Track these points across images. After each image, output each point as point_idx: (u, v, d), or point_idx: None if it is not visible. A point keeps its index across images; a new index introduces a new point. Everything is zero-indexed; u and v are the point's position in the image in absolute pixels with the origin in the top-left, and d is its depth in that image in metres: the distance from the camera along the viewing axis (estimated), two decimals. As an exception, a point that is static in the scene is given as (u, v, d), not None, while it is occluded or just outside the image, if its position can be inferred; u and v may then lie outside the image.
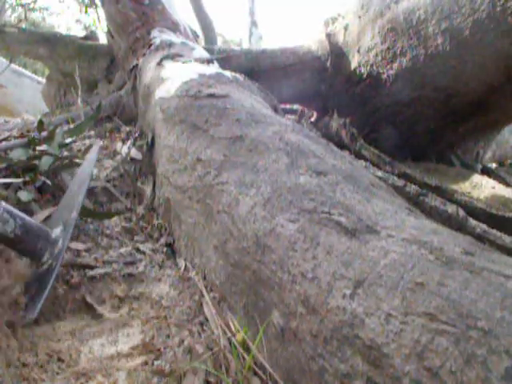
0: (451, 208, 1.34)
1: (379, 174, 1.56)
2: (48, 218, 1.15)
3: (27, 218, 0.84)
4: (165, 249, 1.20)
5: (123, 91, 2.36)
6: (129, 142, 1.77)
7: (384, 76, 2.14)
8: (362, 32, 2.25)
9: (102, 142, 1.67)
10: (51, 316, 0.89)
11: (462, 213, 1.31)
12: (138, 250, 1.18)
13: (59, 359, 0.77)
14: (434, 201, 1.39)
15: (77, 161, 1.48)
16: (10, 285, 0.84)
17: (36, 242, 0.82)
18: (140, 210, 1.42)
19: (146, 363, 0.78)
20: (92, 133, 2.00)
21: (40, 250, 0.82)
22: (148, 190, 1.48)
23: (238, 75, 1.61)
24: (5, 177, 1.23)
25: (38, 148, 1.44)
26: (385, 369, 0.50)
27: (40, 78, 6.82)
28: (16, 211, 0.83)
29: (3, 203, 0.80)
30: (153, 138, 1.57)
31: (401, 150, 2.20)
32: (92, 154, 1.14)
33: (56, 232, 0.86)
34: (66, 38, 3.30)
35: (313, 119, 2.75)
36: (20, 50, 3.41)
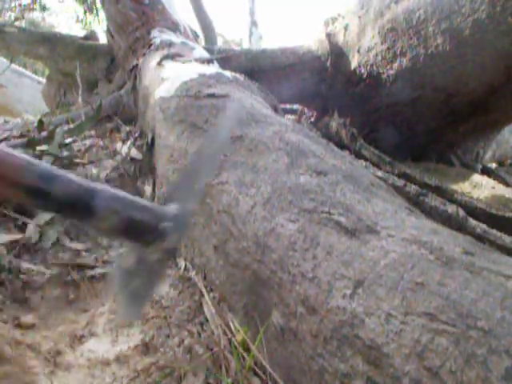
0: (451, 208, 1.34)
1: (379, 173, 1.56)
2: (50, 220, 1.15)
3: (130, 206, 0.67)
4: (165, 249, 1.20)
5: (123, 91, 2.36)
6: (129, 142, 1.77)
7: (384, 76, 2.14)
8: (362, 32, 2.25)
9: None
10: (51, 316, 0.89)
11: (462, 213, 1.31)
12: (137, 249, 1.18)
13: (59, 359, 0.77)
14: (434, 201, 1.39)
15: (77, 160, 1.48)
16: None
17: (143, 235, 0.67)
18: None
19: (145, 363, 0.78)
20: (92, 133, 2.00)
21: (148, 243, 0.68)
22: (148, 190, 1.48)
23: (237, 75, 1.61)
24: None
25: (37, 148, 1.44)
26: (385, 369, 0.50)
27: (40, 78, 6.82)
28: (123, 199, 0.67)
29: (106, 189, 0.66)
30: (153, 138, 1.57)
31: (401, 150, 2.20)
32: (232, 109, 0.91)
33: (169, 216, 0.69)
34: (66, 38, 3.29)
35: (313, 119, 2.75)
36: (20, 49, 3.40)
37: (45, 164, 0.64)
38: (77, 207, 0.63)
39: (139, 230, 0.67)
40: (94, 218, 0.63)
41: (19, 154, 0.62)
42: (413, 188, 1.46)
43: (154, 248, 0.67)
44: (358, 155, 1.90)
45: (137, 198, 0.69)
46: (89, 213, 0.63)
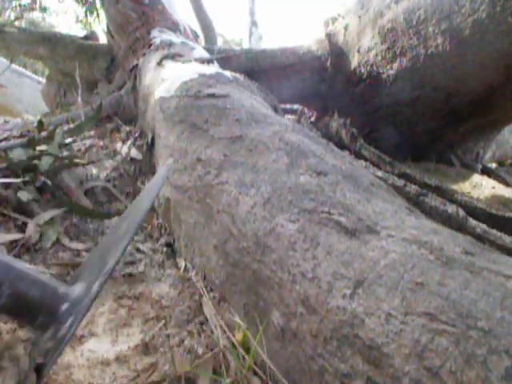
0: (451, 208, 1.34)
1: (379, 173, 1.56)
2: (50, 220, 1.15)
3: (25, 280, 0.56)
4: (165, 249, 1.20)
5: (123, 91, 2.36)
6: (129, 142, 1.77)
7: (384, 76, 2.14)
8: (362, 32, 2.25)
9: (171, 162, 1.30)
10: (51, 316, 0.89)
11: (462, 213, 1.31)
12: (138, 249, 1.18)
13: (58, 359, 0.77)
14: (434, 201, 1.39)
15: (77, 160, 1.48)
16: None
17: (35, 316, 0.56)
18: (140, 209, 1.42)
19: (145, 363, 0.78)
20: (92, 133, 2.00)
21: (41, 327, 0.58)
22: (148, 189, 1.48)
23: (237, 75, 1.61)
24: (5, 177, 1.23)
25: (37, 148, 1.44)
26: (385, 369, 0.50)
27: (40, 78, 6.82)
28: (13, 271, 0.56)
29: None
30: (153, 138, 1.57)
31: (401, 150, 2.20)
32: (157, 179, 0.79)
33: (71, 294, 0.58)
34: (66, 38, 3.29)
35: (313, 119, 2.75)
36: (20, 49, 3.41)
37: None
38: None
39: (30, 310, 0.56)
40: None
41: None
42: (413, 188, 1.46)
43: (49, 333, 0.56)
44: (358, 155, 1.90)
45: (33, 272, 0.58)
46: None
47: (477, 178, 2.00)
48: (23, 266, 0.58)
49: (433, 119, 2.15)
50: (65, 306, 0.57)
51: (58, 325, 0.55)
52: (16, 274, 0.56)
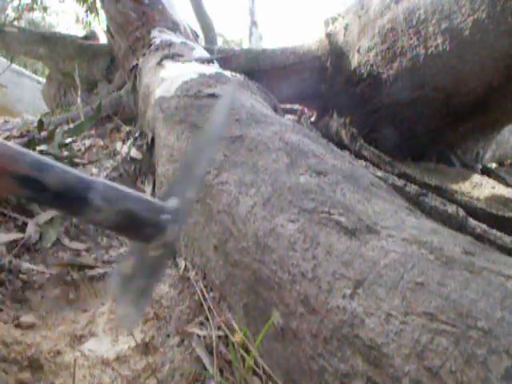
0: (451, 208, 1.34)
1: (379, 174, 1.56)
2: (50, 220, 1.15)
3: (128, 200, 0.64)
4: (165, 249, 1.20)
5: (123, 91, 2.36)
6: (129, 142, 1.77)
7: (384, 76, 2.14)
8: (362, 32, 2.25)
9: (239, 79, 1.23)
10: (51, 316, 0.89)
11: (462, 213, 1.31)
12: (137, 249, 1.18)
13: (59, 359, 0.77)
14: (434, 201, 1.39)
15: (77, 160, 1.48)
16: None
17: (142, 229, 0.64)
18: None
19: (145, 363, 0.78)
20: (92, 133, 2.00)
21: (148, 237, 0.66)
22: (148, 189, 1.48)
23: (238, 75, 1.61)
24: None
25: (37, 148, 1.44)
26: (385, 369, 0.50)
27: (40, 78, 6.82)
28: (120, 192, 0.64)
29: (98, 184, 0.62)
30: (153, 138, 1.57)
31: (401, 150, 2.20)
32: (227, 95, 0.84)
33: (169, 210, 0.67)
34: (66, 38, 3.29)
35: (313, 119, 2.75)
36: (20, 49, 3.40)
37: (37, 154, 0.60)
38: (71, 199, 0.60)
39: (138, 224, 0.64)
40: (91, 211, 0.60)
41: (9, 142, 0.58)
42: (413, 188, 1.46)
43: (155, 243, 0.64)
44: (358, 155, 1.90)
45: (136, 192, 0.66)
46: (84, 205, 0.60)
47: (477, 178, 2.00)
48: (125, 188, 0.66)
49: (433, 119, 2.15)
50: (165, 217, 0.64)
51: (162, 233, 0.64)
52: (121, 195, 0.64)
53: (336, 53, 2.45)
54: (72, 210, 0.62)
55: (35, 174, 0.57)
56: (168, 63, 1.76)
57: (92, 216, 0.61)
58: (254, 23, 10.11)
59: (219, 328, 0.86)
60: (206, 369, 0.77)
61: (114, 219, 0.62)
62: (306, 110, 2.74)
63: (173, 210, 0.66)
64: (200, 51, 2.04)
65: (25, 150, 0.58)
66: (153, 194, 1.45)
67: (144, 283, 0.66)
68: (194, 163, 0.74)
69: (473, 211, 1.41)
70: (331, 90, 2.53)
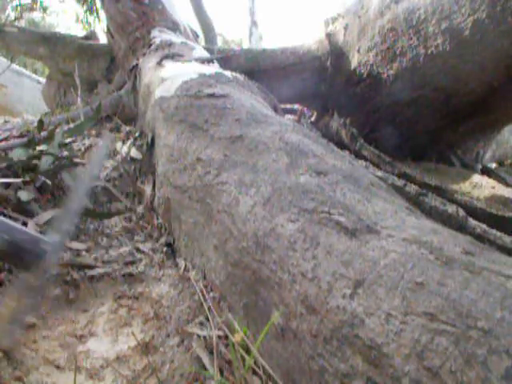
0: (451, 208, 1.34)
1: (379, 173, 1.56)
2: (49, 221, 1.15)
3: (13, 230, 0.75)
4: (165, 248, 1.20)
5: (123, 91, 2.36)
6: (129, 142, 1.77)
7: (384, 76, 2.14)
8: (362, 32, 2.25)
9: (111, 136, 1.55)
10: (51, 316, 0.89)
11: (462, 213, 1.31)
12: (137, 249, 1.18)
13: (59, 359, 0.77)
14: (434, 201, 1.39)
15: (77, 160, 1.48)
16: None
17: (23, 256, 0.75)
18: (140, 209, 1.42)
19: (145, 363, 0.78)
20: (92, 132, 2.00)
21: (27, 264, 0.75)
22: (148, 189, 1.48)
23: (238, 75, 1.61)
24: (5, 177, 1.23)
25: (37, 148, 1.44)
26: (385, 369, 0.50)
27: (40, 78, 6.81)
28: (3, 223, 0.75)
29: None
30: (153, 138, 1.57)
31: (401, 150, 2.20)
32: (97, 153, 1.07)
33: (49, 241, 0.78)
34: (66, 38, 3.29)
35: (313, 119, 2.75)
36: (20, 49, 3.40)
37: None
38: None
39: (19, 252, 0.74)
40: None
41: None
42: (413, 188, 1.46)
43: (34, 269, 0.74)
44: (358, 155, 1.90)
45: (18, 225, 0.79)
46: None
47: (477, 178, 2.00)
48: (6, 220, 0.78)
49: (433, 119, 2.15)
50: (43, 248, 0.75)
51: (39, 262, 0.74)
52: (5, 226, 0.75)
53: (336, 53, 2.45)
54: None
55: None
56: (168, 63, 1.76)
57: None
58: (254, 23, 10.11)
59: (219, 328, 0.86)
60: (206, 369, 0.77)
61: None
62: (305, 110, 2.74)
63: (51, 242, 0.77)
64: (200, 51, 2.04)
65: None
66: (153, 193, 1.45)
67: (20, 308, 0.75)
68: (73, 200, 0.91)
69: (473, 211, 1.41)
70: (331, 90, 2.53)
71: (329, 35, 2.49)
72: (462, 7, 1.66)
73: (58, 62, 3.22)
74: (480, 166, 2.41)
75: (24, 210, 1.18)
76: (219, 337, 0.84)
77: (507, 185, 2.01)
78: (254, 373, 0.75)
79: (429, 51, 1.86)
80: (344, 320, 0.57)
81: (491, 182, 1.94)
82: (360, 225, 0.67)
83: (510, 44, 1.62)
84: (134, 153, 1.69)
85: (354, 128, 2.05)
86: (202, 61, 1.81)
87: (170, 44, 2.01)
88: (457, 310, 0.48)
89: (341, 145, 1.91)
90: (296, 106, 2.86)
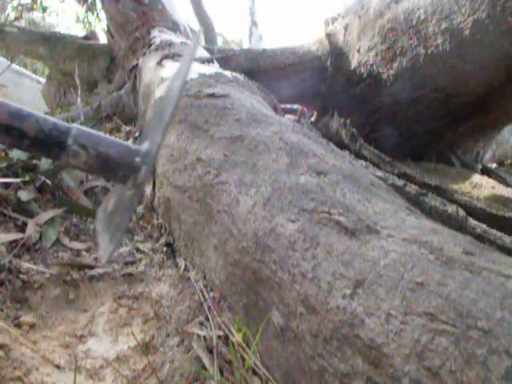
0: (451, 208, 1.34)
1: (379, 173, 1.56)
2: (50, 220, 1.15)
3: (104, 143, 0.71)
4: (165, 248, 1.20)
5: (123, 91, 2.36)
6: (129, 142, 1.77)
7: (384, 76, 2.14)
8: (362, 32, 2.25)
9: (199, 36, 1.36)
10: (51, 316, 0.89)
11: (461, 213, 1.31)
12: (137, 249, 1.18)
13: (58, 359, 0.77)
14: (434, 201, 1.39)
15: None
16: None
17: (117, 170, 0.70)
18: (140, 209, 1.42)
19: (145, 363, 0.78)
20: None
21: (122, 178, 0.71)
22: (148, 189, 1.48)
23: (238, 75, 1.61)
24: (5, 177, 1.23)
25: (37, 148, 1.44)
26: (385, 369, 0.50)
27: (40, 78, 6.82)
28: (95, 136, 0.70)
29: (74, 129, 0.68)
30: (153, 138, 1.57)
31: (401, 150, 2.20)
32: (187, 56, 0.88)
33: (141, 153, 0.73)
34: (66, 38, 3.30)
35: (313, 119, 2.75)
36: (20, 49, 3.41)
37: (16, 105, 0.66)
38: (49, 144, 0.66)
39: (113, 166, 0.69)
40: (68, 155, 0.66)
41: None
42: (413, 188, 1.46)
43: (129, 183, 0.70)
44: (358, 155, 1.90)
45: (110, 137, 0.72)
46: (62, 150, 0.66)
47: (477, 178, 2.00)
48: (101, 133, 0.71)
49: (433, 119, 2.15)
50: (138, 159, 0.70)
51: (136, 174, 0.69)
52: (96, 139, 0.70)
53: (336, 53, 2.45)
54: (50, 155, 0.68)
55: (15, 123, 0.63)
56: (168, 63, 1.76)
57: (69, 160, 0.67)
58: (254, 23, 10.11)
59: (219, 328, 0.86)
60: (206, 369, 0.77)
61: (90, 162, 0.68)
62: (305, 110, 2.74)
63: (145, 152, 0.71)
64: (200, 51, 2.04)
65: (4, 101, 0.65)
66: (153, 193, 1.45)
67: (120, 219, 0.72)
68: (163, 110, 0.79)
69: (473, 211, 1.41)
70: (331, 90, 2.53)
71: (329, 35, 2.49)
72: (462, 7, 1.66)
73: (58, 62, 3.22)
74: (480, 166, 2.41)
75: (24, 210, 1.18)
76: (219, 337, 0.84)
77: (507, 185, 2.01)
78: (254, 373, 0.75)
79: (429, 51, 1.86)
80: (344, 320, 0.57)
81: (491, 181, 1.94)
82: (360, 225, 0.67)
83: (510, 44, 1.62)
84: (134, 153, 1.69)
85: (354, 128, 2.05)
86: (202, 61, 1.81)
87: (170, 44, 2.01)
88: (457, 309, 0.48)
89: (341, 145, 1.91)
90: (296, 106, 2.87)
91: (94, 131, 0.70)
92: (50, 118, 0.67)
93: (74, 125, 0.69)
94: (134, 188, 0.70)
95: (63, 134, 0.67)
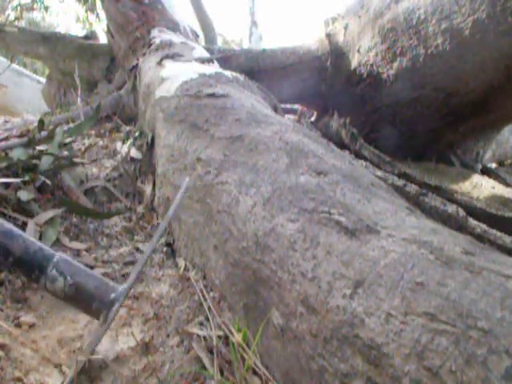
0: (451, 208, 1.34)
1: (379, 173, 1.56)
2: (50, 220, 1.15)
3: (82, 274, 0.74)
4: (165, 248, 1.20)
5: (123, 91, 2.36)
6: (129, 142, 1.77)
7: (384, 76, 2.14)
8: (362, 32, 2.25)
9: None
10: (51, 316, 0.89)
11: (462, 213, 1.31)
12: (137, 249, 1.18)
13: (58, 359, 0.77)
14: (434, 201, 1.39)
15: (77, 160, 1.48)
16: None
17: (91, 302, 0.73)
18: (140, 209, 1.42)
19: (145, 363, 0.78)
20: (92, 132, 2.00)
21: (95, 312, 0.74)
22: (148, 189, 1.48)
23: (238, 75, 1.61)
24: (5, 177, 1.23)
25: (37, 148, 1.44)
26: (385, 369, 0.50)
27: (40, 78, 6.81)
28: (74, 267, 0.73)
29: (58, 257, 0.72)
30: (153, 138, 1.57)
31: (401, 150, 2.20)
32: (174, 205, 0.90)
33: (117, 290, 0.75)
34: (66, 38, 3.29)
35: (313, 119, 2.75)
36: (20, 49, 3.40)
37: (9, 224, 0.72)
38: (31, 266, 0.71)
39: (87, 298, 0.73)
40: (46, 280, 0.71)
41: None
42: (413, 188, 1.46)
43: (102, 317, 0.72)
44: (358, 155, 1.90)
45: (91, 271, 0.77)
46: (41, 273, 0.71)
47: (477, 178, 2.00)
48: (82, 266, 0.76)
49: (433, 119, 2.15)
50: (113, 295, 0.73)
51: (109, 310, 0.71)
52: (76, 270, 0.74)
53: (336, 53, 2.45)
54: (31, 276, 0.73)
55: (4, 241, 0.69)
56: (168, 63, 1.76)
57: (47, 284, 0.72)
58: (254, 23, 10.11)
59: (219, 328, 0.86)
60: (206, 369, 0.77)
61: (66, 290, 0.72)
62: (305, 110, 2.74)
63: (121, 290, 0.74)
64: (200, 51, 2.04)
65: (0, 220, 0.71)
66: (153, 193, 1.45)
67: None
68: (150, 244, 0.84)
69: (473, 211, 1.41)
70: (331, 90, 2.53)
71: (329, 35, 2.49)
72: (462, 7, 1.66)
73: (58, 62, 3.22)
74: (480, 166, 2.41)
75: (24, 210, 1.18)
76: (219, 337, 0.84)
77: (507, 185, 2.01)
78: (254, 373, 0.75)
79: (429, 51, 1.86)
80: (344, 320, 0.57)
81: (491, 181, 1.94)
82: (360, 225, 0.67)
83: (510, 44, 1.62)
84: (134, 153, 1.69)
85: (354, 128, 2.05)
86: (202, 61, 1.81)
87: (170, 44, 2.01)
88: (457, 309, 0.48)
89: (341, 145, 1.91)
90: (296, 106, 2.86)
91: (76, 262, 0.74)
92: (37, 242, 0.71)
93: (59, 253, 0.74)
94: (105, 324, 0.72)
95: (45, 259, 0.71)
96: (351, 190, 0.79)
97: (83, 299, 0.73)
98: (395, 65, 2.06)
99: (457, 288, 0.50)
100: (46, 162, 1.34)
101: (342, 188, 0.79)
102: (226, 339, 0.83)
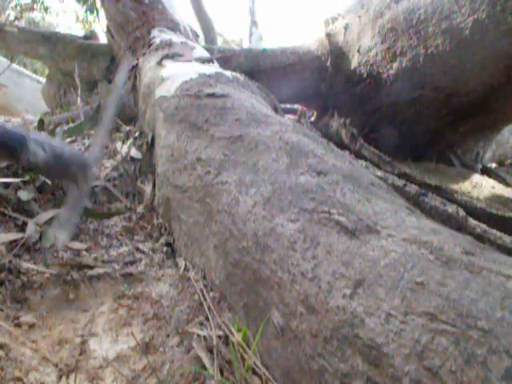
0: (451, 208, 1.34)
1: (379, 173, 1.56)
2: (50, 219, 1.15)
3: (57, 144, 0.87)
4: (165, 248, 1.20)
5: (123, 91, 2.36)
6: (129, 142, 1.77)
7: (384, 76, 2.14)
8: (362, 32, 2.25)
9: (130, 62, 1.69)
10: (51, 316, 0.89)
11: (462, 213, 1.31)
12: (137, 249, 1.18)
13: (58, 359, 0.77)
14: (434, 201, 1.39)
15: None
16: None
17: (69, 166, 0.88)
18: (140, 209, 1.42)
19: (145, 363, 0.78)
20: (92, 132, 2.00)
21: (74, 175, 0.89)
22: (148, 189, 1.48)
23: (238, 75, 1.61)
24: (5, 176, 1.23)
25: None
26: (385, 368, 0.50)
27: (40, 78, 6.81)
28: (48, 140, 0.86)
29: (32, 134, 0.83)
30: (153, 138, 1.57)
31: (401, 150, 2.20)
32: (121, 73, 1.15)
33: (90, 155, 0.93)
34: (66, 38, 3.29)
35: (313, 119, 2.75)
36: (20, 49, 3.41)
37: None
38: (12, 145, 0.80)
39: (66, 164, 0.88)
40: (28, 154, 0.80)
41: None
42: (413, 188, 1.46)
43: (79, 180, 0.91)
44: (358, 155, 1.90)
45: (61, 142, 1.00)
46: (24, 149, 0.80)
47: (477, 177, 2.00)
48: (48, 138, 0.95)
49: (433, 119, 2.15)
50: (87, 156, 0.91)
51: (86, 170, 0.91)
52: (50, 141, 0.86)
53: (336, 53, 2.45)
54: (13, 154, 0.82)
55: None
56: (168, 63, 1.76)
57: (30, 158, 0.81)
58: (254, 23, 10.09)
59: (219, 328, 0.86)
60: (206, 369, 0.77)
61: (48, 160, 0.83)
62: (305, 110, 2.74)
63: (91, 152, 0.92)
64: (200, 51, 2.04)
65: None
66: (153, 193, 1.45)
67: (71, 214, 0.94)
68: (105, 116, 1.02)
69: (473, 211, 1.41)
70: (331, 90, 2.53)
71: (329, 35, 2.49)
72: (462, 7, 1.66)
73: (58, 62, 3.22)
74: (480, 166, 2.41)
75: (24, 210, 1.18)
76: (219, 337, 0.84)
77: (507, 185, 2.01)
78: (254, 373, 0.75)
79: (429, 51, 1.86)
80: (344, 320, 0.57)
81: (491, 182, 1.94)
82: (360, 225, 0.67)
83: (510, 44, 1.62)
84: (134, 153, 1.69)
85: (354, 128, 2.05)
86: (202, 61, 1.81)
87: (170, 44, 2.01)
88: (457, 309, 0.48)
89: (341, 145, 1.91)
90: (296, 106, 2.86)
91: (45, 137, 0.86)
92: (8, 124, 0.82)
93: (30, 133, 0.83)
94: (83, 185, 0.88)
95: (23, 138, 0.80)
96: (351, 189, 0.79)
97: (62, 165, 0.86)
98: (395, 65, 2.06)
99: (457, 288, 0.50)
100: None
101: (341, 188, 0.79)
102: (225, 339, 0.83)
